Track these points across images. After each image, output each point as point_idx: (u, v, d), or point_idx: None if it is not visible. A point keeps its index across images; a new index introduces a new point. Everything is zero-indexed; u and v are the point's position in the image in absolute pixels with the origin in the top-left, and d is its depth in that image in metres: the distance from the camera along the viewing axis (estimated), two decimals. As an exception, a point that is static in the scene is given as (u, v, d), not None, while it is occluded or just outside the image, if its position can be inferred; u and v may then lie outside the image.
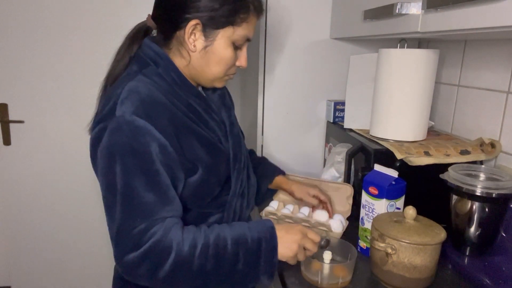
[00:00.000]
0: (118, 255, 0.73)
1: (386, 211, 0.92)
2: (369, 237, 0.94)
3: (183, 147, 0.77)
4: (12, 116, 1.76)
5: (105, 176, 0.73)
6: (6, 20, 1.65)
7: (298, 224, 0.84)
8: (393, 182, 0.92)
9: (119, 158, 0.71)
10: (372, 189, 0.94)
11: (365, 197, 0.96)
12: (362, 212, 0.97)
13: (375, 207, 0.93)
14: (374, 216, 0.92)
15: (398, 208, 0.94)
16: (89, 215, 1.89)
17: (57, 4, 1.66)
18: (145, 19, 0.88)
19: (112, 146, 0.71)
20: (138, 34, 0.87)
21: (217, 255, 0.74)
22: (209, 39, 0.79)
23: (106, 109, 0.74)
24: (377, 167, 0.96)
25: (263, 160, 1.20)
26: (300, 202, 1.13)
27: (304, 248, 0.82)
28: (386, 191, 0.91)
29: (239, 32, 0.80)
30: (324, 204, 1.11)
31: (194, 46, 0.79)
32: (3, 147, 1.79)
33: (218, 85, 0.88)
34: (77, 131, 1.77)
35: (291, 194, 1.13)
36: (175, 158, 0.75)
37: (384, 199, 0.91)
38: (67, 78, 1.75)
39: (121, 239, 0.72)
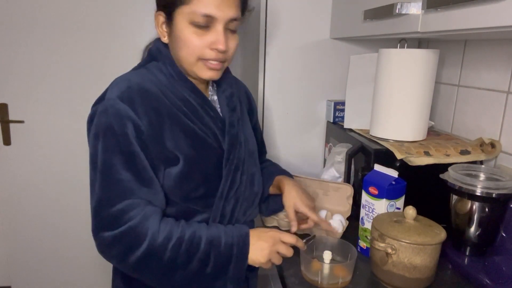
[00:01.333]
0: (94, 230, 0.77)
1: (386, 211, 0.92)
2: (369, 237, 0.94)
3: (165, 135, 0.79)
4: (12, 116, 1.77)
5: (90, 154, 0.78)
6: (6, 20, 1.65)
7: (272, 229, 0.84)
8: (393, 182, 0.92)
9: (102, 137, 0.75)
10: (372, 189, 0.94)
11: (365, 197, 0.96)
12: (362, 212, 0.97)
13: (375, 207, 0.93)
14: (374, 216, 0.92)
15: (398, 208, 0.94)
16: (90, 215, 1.88)
17: (57, 4, 1.66)
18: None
19: (98, 127, 0.76)
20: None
21: (189, 251, 0.75)
22: (171, 26, 0.81)
23: (100, 95, 0.80)
24: (377, 167, 0.96)
25: (267, 167, 1.12)
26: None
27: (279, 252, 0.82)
28: (386, 191, 0.91)
29: (189, 10, 0.77)
30: (311, 224, 0.98)
31: (165, 37, 0.84)
32: (3, 147, 1.79)
33: (202, 74, 0.82)
34: (77, 131, 1.78)
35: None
36: (152, 144, 0.77)
37: (384, 199, 0.91)
38: (68, 78, 1.75)
39: (99, 215, 0.76)
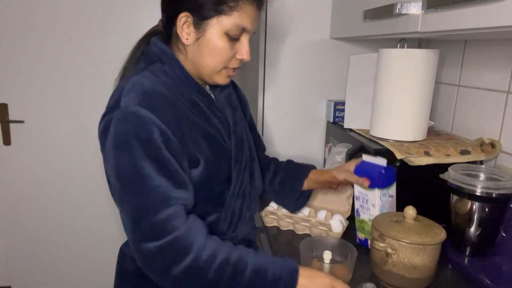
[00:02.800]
0: (136, 241, 0.72)
1: (380, 201, 0.93)
2: (366, 228, 0.96)
3: (186, 138, 0.78)
4: (12, 116, 1.76)
5: (115, 165, 0.73)
6: (6, 20, 1.65)
7: (327, 274, 0.77)
8: (383, 171, 0.92)
9: (127, 146, 0.71)
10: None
11: (357, 189, 0.97)
12: (357, 204, 0.98)
13: (369, 197, 0.94)
14: (369, 206, 0.94)
15: (391, 196, 0.95)
16: (89, 215, 1.89)
17: (57, 4, 1.66)
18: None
19: (119, 136, 0.72)
20: (148, 36, 0.89)
21: (234, 276, 0.71)
22: (200, 31, 0.79)
23: (111, 102, 0.76)
24: (365, 157, 0.97)
25: (291, 162, 1.13)
26: (344, 183, 1.04)
27: None
28: (377, 181, 0.91)
29: (229, 21, 0.78)
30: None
31: (187, 39, 0.81)
32: (3, 147, 1.79)
33: (220, 80, 0.85)
34: (77, 131, 1.78)
35: (332, 179, 1.03)
36: (178, 147, 0.76)
37: (377, 189, 0.92)
38: (67, 78, 1.75)
39: (140, 225, 0.71)
